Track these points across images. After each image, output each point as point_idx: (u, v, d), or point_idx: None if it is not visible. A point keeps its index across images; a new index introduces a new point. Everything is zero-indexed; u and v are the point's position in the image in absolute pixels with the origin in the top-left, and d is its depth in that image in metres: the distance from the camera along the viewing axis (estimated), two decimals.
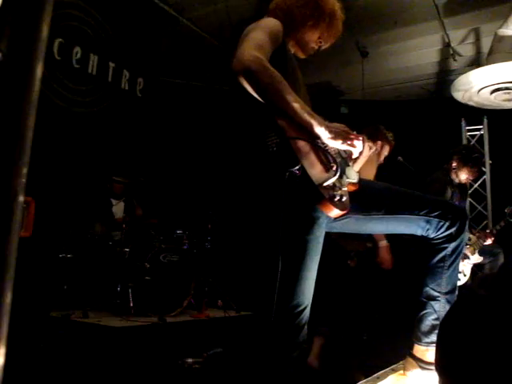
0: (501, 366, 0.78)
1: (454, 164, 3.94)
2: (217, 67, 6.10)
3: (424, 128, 6.32)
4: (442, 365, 0.94)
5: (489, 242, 4.00)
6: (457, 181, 3.99)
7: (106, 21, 5.36)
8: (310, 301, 1.57)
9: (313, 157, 1.46)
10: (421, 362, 1.82)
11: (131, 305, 4.20)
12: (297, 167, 1.41)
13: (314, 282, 1.57)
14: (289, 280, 1.51)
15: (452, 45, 5.70)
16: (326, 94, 6.90)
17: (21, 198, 0.74)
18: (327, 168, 1.47)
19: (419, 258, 1.95)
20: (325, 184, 1.42)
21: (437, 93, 6.86)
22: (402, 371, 1.96)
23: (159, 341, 3.65)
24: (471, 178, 4.05)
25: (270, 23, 1.63)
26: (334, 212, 1.43)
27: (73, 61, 5.00)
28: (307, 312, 1.56)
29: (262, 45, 1.50)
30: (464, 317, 0.90)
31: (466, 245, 3.93)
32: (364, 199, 1.67)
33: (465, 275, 3.90)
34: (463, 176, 3.93)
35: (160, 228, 4.82)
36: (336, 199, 1.42)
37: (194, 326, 4.32)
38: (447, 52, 5.86)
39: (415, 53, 6.04)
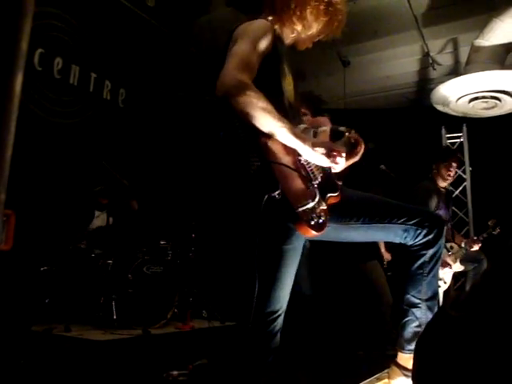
0: None
1: (434, 167, 4.09)
2: (199, 77, 6.11)
3: (405, 136, 6.40)
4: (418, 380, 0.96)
5: (476, 248, 4.07)
6: (444, 185, 4.10)
7: (87, 31, 5.33)
8: (284, 309, 1.58)
9: (293, 181, 1.47)
10: (405, 370, 1.83)
11: (115, 317, 4.15)
12: (277, 192, 1.42)
13: (289, 290, 1.58)
14: (264, 288, 1.52)
15: (431, 54, 5.80)
16: (308, 103, 6.94)
17: (0, 212, 0.73)
18: (307, 191, 1.48)
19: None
20: (302, 209, 1.44)
21: (417, 101, 6.96)
22: (386, 380, 1.97)
23: (143, 353, 3.61)
24: (452, 173, 4.12)
25: (259, 30, 1.61)
26: (311, 234, 1.45)
27: (54, 71, 4.96)
28: (281, 320, 1.58)
29: (247, 61, 1.50)
30: (436, 339, 0.91)
31: (448, 252, 3.98)
32: (342, 208, 1.68)
33: (445, 282, 3.94)
34: (444, 172, 4.05)
35: (143, 239, 4.78)
36: (313, 222, 1.45)
37: (179, 337, 4.29)
38: (426, 61, 5.96)
39: (395, 62, 6.13)
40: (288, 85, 1.70)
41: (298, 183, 1.48)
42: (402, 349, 1.85)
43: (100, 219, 4.94)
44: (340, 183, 1.67)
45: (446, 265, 3.88)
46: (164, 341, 4.07)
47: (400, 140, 6.40)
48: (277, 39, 1.68)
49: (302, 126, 1.64)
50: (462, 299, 0.91)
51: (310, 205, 1.45)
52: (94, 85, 5.42)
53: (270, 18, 1.72)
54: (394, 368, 1.89)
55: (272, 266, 1.53)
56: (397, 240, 1.80)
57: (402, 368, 1.84)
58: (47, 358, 3.14)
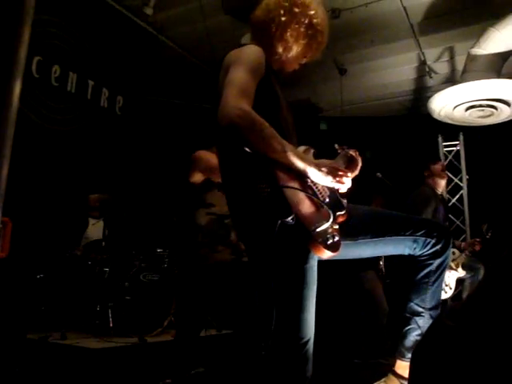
0: None
1: (427, 173, 4.18)
2: (196, 85, 6.12)
3: (402, 144, 6.43)
4: None
5: (477, 248, 4.14)
6: (440, 191, 4.16)
7: (85, 39, 5.35)
8: (313, 334, 1.57)
9: (305, 203, 1.47)
10: (402, 380, 1.81)
11: (111, 325, 4.12)
12: (290, 217, 1.41)
13: (313, 314, 1.57)
14: (292, 312, 1.51)
15: (428, 62, 5.84)
16: (305, 111, 6.97)
17: None
18: (320, 213, 1.48)
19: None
20: (318, 230, 1.43)
21: (414, 109, 7.00)
22: None
23: (140, 362, 3.59)
24: (445, 171, 4.37)
25: (252, 56, 1.61)
26: (328, 255, 1.45)
27: (51, 79, 4.96)
28: (312, 343, 1.56)
29: (245, 89, 1.49)
30: (432, 348, 0.91)
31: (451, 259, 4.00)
32: (350, 225, 1.66)
33: (451, 288, 3.95)
34: (438, 170, 4.14)
35: (140, 247, 4.77)
36: (329, 242, 1.44)
37: (175, 345, 4.26)
38: (423, 69, 5.99)
39: (392, 70, 6.16)
40: (283, 105, 1.70)
41: (310, 205, 1.47)
42: (403, 357, 1.83)
43: (96, 227, 4.92)
44: (345, 201, 1.66)
45: (450, 269, 3.92)
46: (160, 349, 4.05)
47: (397, 148, 6.42)
48: (268, 62, 1.68)
49: (302, 147, 1.64)
50: (457, 309, 0.91)
51: (325, 225, 1.44)
52: (91, 92, 5.42)
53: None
54: (391, 377, 1.87)
55: (295, 288, 1.52)
56: (406, 252, 1.78)
57: (400, 377, 1.82)
58: (43, 366, 3.12)
